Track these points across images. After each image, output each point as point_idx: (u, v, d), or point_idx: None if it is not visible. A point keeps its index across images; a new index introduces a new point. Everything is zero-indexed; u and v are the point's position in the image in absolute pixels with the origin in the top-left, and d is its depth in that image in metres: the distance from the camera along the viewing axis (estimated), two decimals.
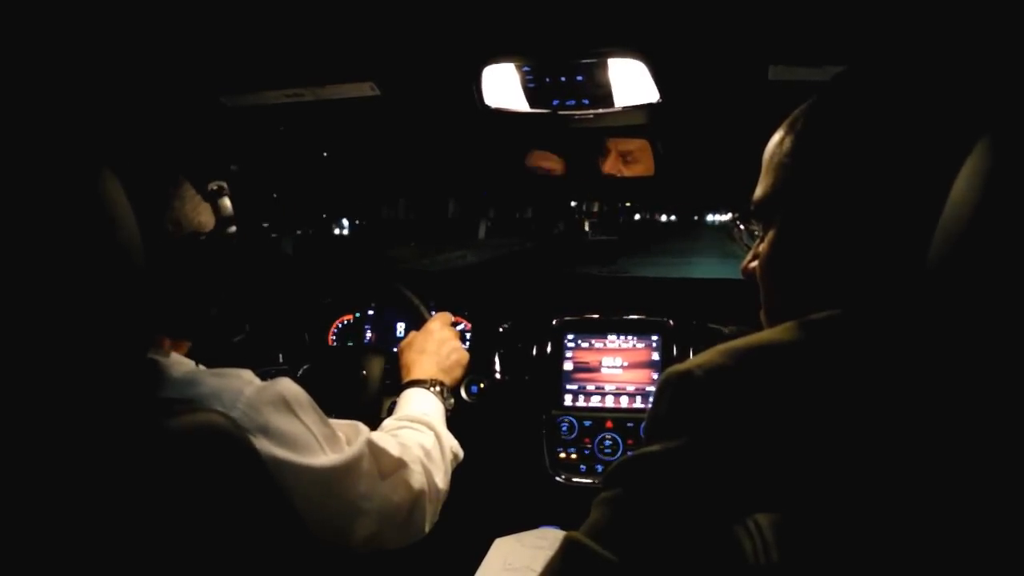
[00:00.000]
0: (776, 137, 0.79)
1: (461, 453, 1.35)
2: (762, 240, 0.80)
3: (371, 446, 1.06)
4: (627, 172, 1.91)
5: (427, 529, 1.19)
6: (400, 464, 1.12)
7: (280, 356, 2.10)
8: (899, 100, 0.70)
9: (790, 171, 0.75)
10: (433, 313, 1.77)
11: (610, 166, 1.90)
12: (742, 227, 0.86)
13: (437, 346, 1.52)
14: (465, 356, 1.57)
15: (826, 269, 0.71)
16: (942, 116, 0.67)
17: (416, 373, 1.46)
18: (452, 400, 1.44)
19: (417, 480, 1.14)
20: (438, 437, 1.28)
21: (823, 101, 0.76)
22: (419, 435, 1.25)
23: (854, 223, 0.69)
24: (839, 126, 0.72)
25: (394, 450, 1.12)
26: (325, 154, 1.99)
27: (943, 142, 0.63)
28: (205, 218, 1.00)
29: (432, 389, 1.41)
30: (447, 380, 1.47)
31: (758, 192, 0.80)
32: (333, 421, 1.02)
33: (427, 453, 1.22)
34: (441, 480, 1.22)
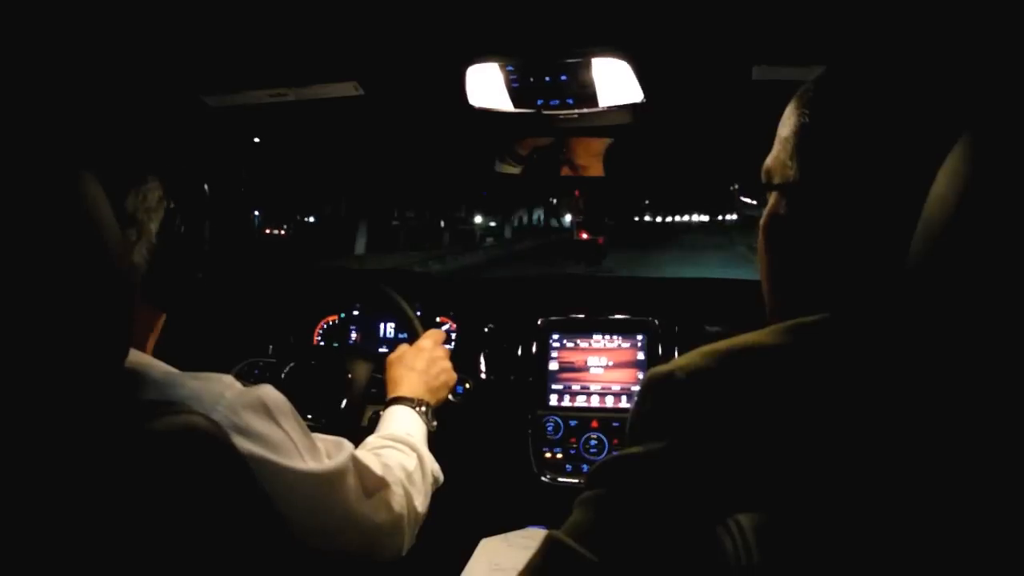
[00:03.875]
0: (787, 109, 0.77)
1: (441, 477, 1.34)
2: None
3: (356, 463, 1.05)
4: (586, 174, 1.93)
5: (404, 552, 1.18)
6: (383, 484, 1.11)
7: (270, 348, 2.10)
8: (893, 95, 0.69)
9: (788, 145, 0.74)
10: (421, 313, 1.77)
11: (565, 171, 1.92)
12: (748, 200, 0.85)
13: (426, 365, 1.51)
14: (453, 378, 1.56)
15: (814, 260, 0.71)
16: (929, 113, 0.67)
17: (403, 390, 1.44)
18: (435, 423, 1.43)
19: (398, 502, 1.14)
20: (420, 460, 1.28)
21: (826, 82, 0.74)
22: (402, 456, 1.25)
23: (845, 219, 0.68)
24: (827, 112, 0.71)
25: (377, 469, 1.11)
26: (256, 140, 1.94)
27: (933, 140, 0.62)
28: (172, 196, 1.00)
29: (417, 409, 1.40)
30: (432, 401, 1.46)
31: (766, 161, 0.79)
32: (315, 435, 1.01)
33: (409, 476, 1.21)
34: (420, 504, 1.21)
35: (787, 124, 0.75)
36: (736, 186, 0.85)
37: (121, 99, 1.39)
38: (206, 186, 1.03)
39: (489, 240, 23.32)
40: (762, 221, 0.78)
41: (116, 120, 0.98)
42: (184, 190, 0.99)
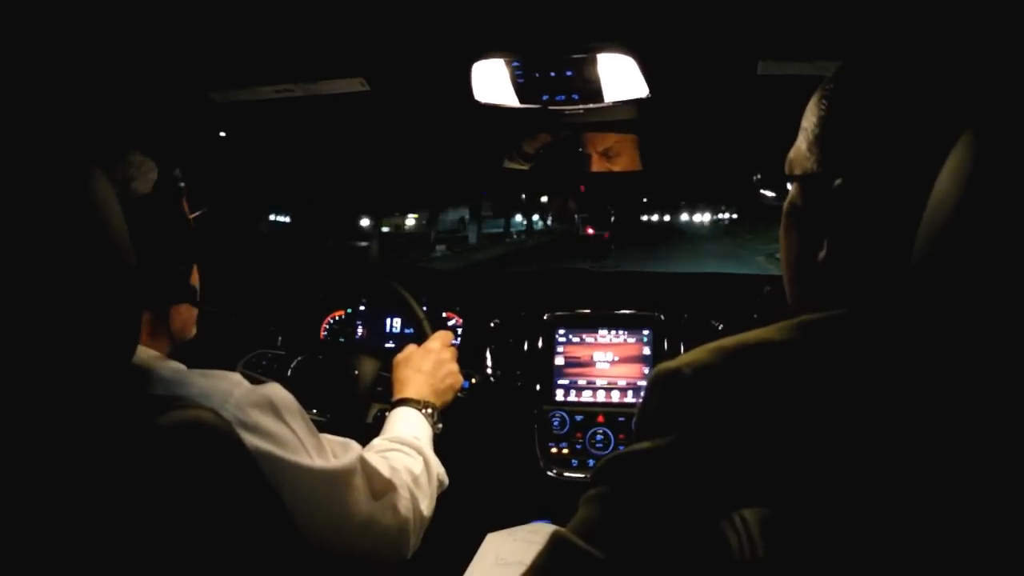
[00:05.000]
0: (811, 100, 0.77)
1: (446, 481, 1.35)
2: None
3: (363, 464, 1.06)
4: (615, 167, 1.91)
5: (409, 555, 1.19)
6: (390, 486, 1.12)
7: (279, 339, 2.10)
8: (910, 89, 0.68)
9: (808, 136, 0.74)
10: (427, 308, 1.77)
11: (596, 165, 1.91)
12: (768, 192, 0.85)
13: (433, 367, 1.51)
14: (459, 381, 1.56)
15: (829, 251, 0.71)
16: (947, 108, 0.66)
17: (410, 392, 1.45)
18: (441, 425, 1.44)
19: (404, 505, 1.14)
20: (427, 463, 1.28)
21: (845, 74, 0.73)
22: (409, 459, 1.25)
23: (860, 212, 0.68)
24: (845, 105, 0.71)
25: (385, 472, 1.12)
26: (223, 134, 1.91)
27: (949, 135, 0.61)
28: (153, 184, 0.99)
29: (423, 411, 1.41)
30: (438, 403, 1.47)
31: (790, 152, 0.79)
32: (323, 435, 1.02)
33: (415, 479, 1.21)
34: (426, 508, 1.22)
35: (809, 115, 0.75)
36: (758, 176, 0.84)
37: (104, 93, 1.40)
38: (181, 177, 1.02)
39: (441, 248, 19.36)
40: (784, 210, 0.79)
41: (99, 113, 0.98)
42: (162, 183, 0.98)
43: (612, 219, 2.23)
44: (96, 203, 0.68)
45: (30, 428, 0.66)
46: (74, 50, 1.28)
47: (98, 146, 0.93)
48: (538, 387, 1.98)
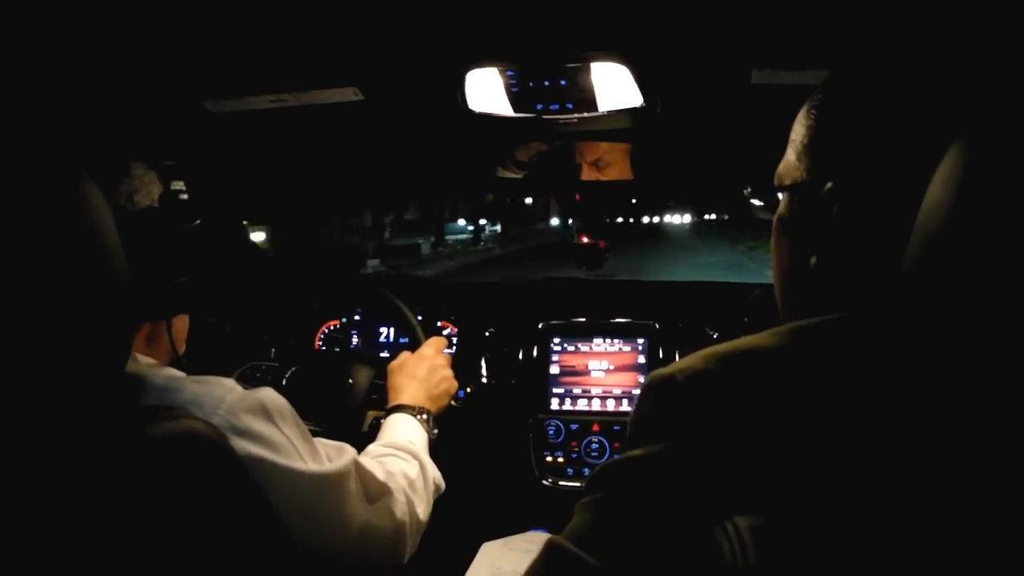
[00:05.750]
0: (799, 113, 0.77)
1: (443, 485, 1.35)
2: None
3: (358, 467, 1.05)
4: (604, 177, 1.92)
5: (405, 560, 1.18)
6: (386, 490, 1.12)
7: (272, 351, 2.10)
8: (897, 97, 0.68)
9: (796, 147, 0.75)
10: (422, 318, 1.77)
11: (586, 175, 1.91)
12: (758, 203, 0.85)
13: (428, 373, 1.52)
14: (454, 386, 1.57)
15: (821, 260, 0.71)
16: (934, 115, 0.66)
17: (404, 398, 1.45)
18: (436, 431, 1.44)
19: (400, 509, 1.14)
20: (423, 467, 1.28)
21: (831, 85, 0.74)
22: (404, 464, 1.25)
23: (848, 220, 0.68)
24: (832, 114, 0.71)
25: (380, 476, 1.12)
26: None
27: (937, 142, 0.61)
28: (157, 196, 0.99)
29: (419, 417, 1.41)
30: (433, 409, 1.47)
31: (779, 165, 0.79)
32: (317, 440, 1.02)
33: (411, 483, 1.21)
34: (423, 512, 1.22)
35: (797, 127, 0.76)
36: (748, 189, 0.85)
37: (104, 105, 1.39)
38: (184, 189, 1.02)
39: (374, 264, 16.99)
40: (774, 222, 0.79)
41: (95, 123, 0.98)
42: (164, 196, 0.98)
43: (607, 224, 2.24)
44: (86, 214, 0.67)
45: (19, 442, 0.65)
46: (72, 62, 1.28)
47: (98, 159, 0.93)
48: (533, 396, 1.98)
